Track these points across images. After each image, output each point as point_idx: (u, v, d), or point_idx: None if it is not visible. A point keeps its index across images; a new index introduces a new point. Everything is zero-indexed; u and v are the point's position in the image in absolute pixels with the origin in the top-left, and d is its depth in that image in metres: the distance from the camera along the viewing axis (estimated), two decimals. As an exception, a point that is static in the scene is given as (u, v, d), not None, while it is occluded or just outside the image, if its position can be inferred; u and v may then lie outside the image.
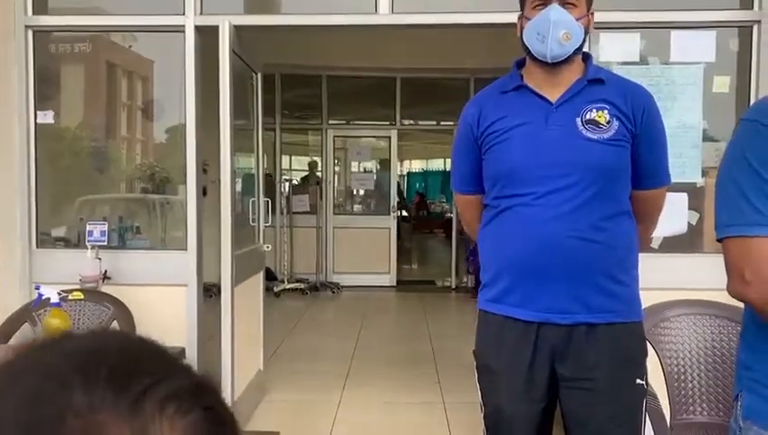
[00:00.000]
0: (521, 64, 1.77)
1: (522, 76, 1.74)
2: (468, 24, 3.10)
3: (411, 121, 8.35)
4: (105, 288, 2.99)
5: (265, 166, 4.37)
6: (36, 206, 3.19)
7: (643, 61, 3.04)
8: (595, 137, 1.64)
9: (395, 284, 7.72)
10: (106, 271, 3.07)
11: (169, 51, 3.27)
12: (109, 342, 0.45)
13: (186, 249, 3.12)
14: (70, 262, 3.07)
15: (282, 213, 7.45)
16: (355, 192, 8.30)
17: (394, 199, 7.81)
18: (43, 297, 2.21)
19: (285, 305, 6.61)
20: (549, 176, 1.63)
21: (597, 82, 1.69)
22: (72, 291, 2.68)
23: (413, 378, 4.19)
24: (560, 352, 1.66)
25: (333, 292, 7.39)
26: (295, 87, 7.76)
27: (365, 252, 7.66)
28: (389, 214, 7.79)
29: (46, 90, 3.28)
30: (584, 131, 1.64)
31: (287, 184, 7.65)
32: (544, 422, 1.72)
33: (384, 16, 3.06)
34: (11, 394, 0.40)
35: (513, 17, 1.77)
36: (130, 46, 3.73)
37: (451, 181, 1.91)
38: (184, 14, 3.07)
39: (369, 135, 8.33)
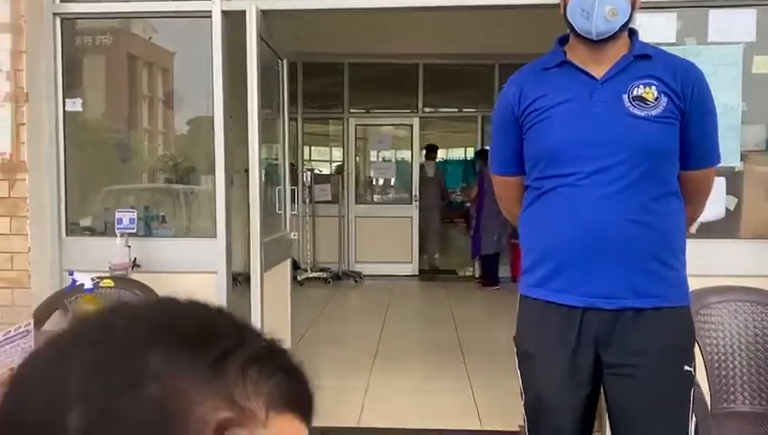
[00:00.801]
0: (563, 41, 1.71)
1: (565, 53, 1.68)
2: (497, 5, 3.03)
3: (433, 109, 8.25)
4: (134, 276, 2.99)
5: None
6: (66, 193, 3.20)
7: (680, 41, 2.94)
8: (642, 114, 1.57)
9: (417, 273, 7.68)
10: (135, 259, 3.06)
11: (190, 41, 3.25)
12: (177, 307, 0.43)
13: (215, 237, 3.11)
14: (99, 250, 3.07)
15: (304, 202, 7.45)
16: (376, 181, 8.27)
17: (416, 188, 7.75)
18: (77, 283, 2.20)
19: (309, 293, 6.61)
20: (594, 155, 1.57)
21: (644, 58, 1.62)
22: (102, 278, 2.67)
23: (440, 364, 4.17)
24: (604, 338, 1.60)
25: (356, 281, 7.40)
26: (316, 75, 7.72)
27: (387, 241, 7.64)
28: (411, 203, 7.74)
29: (72, 79, 3.28)
30: (631, 108, 1.58)
31: (309, 174, 7.63)
32: (587, 411, 1.67)
33: (413, -2, 3.00)
34: (76, 363, 0.37)
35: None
36: (150, 38, 3.73)
37: (489, 163, 1.85)
38: (210, -1, 3.04)
39: (391, 123, 8.27)
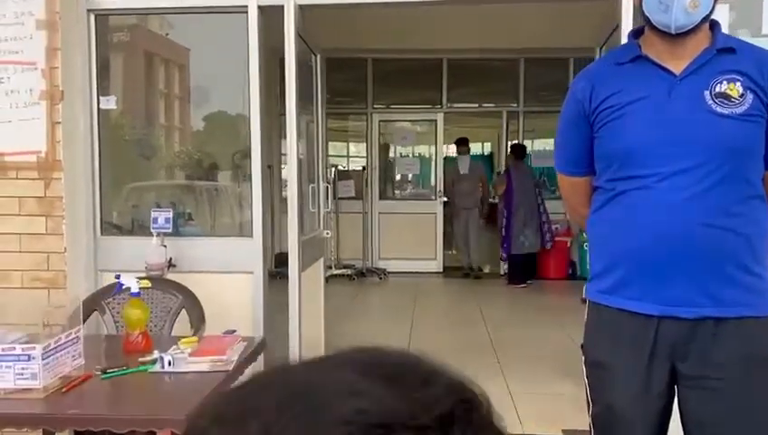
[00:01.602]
0: (638, 33, 1.61)
1: (639, 46, 1.58)
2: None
3: (458, 105, 8.21)
4: (170, 276, 2.94)
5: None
6: (101, 193, 3.15)
7: (732, 33, 2.82)
8: (726, 112, 1.48)
9: (441, 270, 7.61)
10: (171, 259, 3.01)
11: (218, 36, 3.20)
12: (377, 354, 0.40)
13: (251, 236, 3.05)
14: (134, 249, 3.02)
15: (327, 198, 7.42)
16: (400, 177, 8.19)
17: (440, 184, 7.67)
18: (124, 287, 2.15)
19: (335, 291, 6.53)
20: (672, 155, 1.48)
21: (727, 52, 1.52)
22: (140, 279, 2.62)
23: (475, 368, 3.99)
24: (681, 348, 1.51)
25: (380, 278, 7.36)
26: (339, 71, 7.65)
27: (411, 238, 7.57)
28: (435, 199, 7.66)
29: (104, 76, 3.24)
30: (714, 106, 1.48)
31: (333, 170, 7.58)
32: (661, 424, 1.58)
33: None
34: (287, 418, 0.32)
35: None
36: (167, 34, 3.69)
37: (555, 161, 1.76)
38: (246, -6, 2.97)
39: (415, 118, 8.20)
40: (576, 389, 2.73)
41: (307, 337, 3.21)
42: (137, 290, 1.98)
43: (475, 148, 17.96)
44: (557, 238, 7.12)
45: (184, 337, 2.06)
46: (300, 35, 3.07)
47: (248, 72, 3.02)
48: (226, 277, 3.01)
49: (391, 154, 8.34)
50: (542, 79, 7.77)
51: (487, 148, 18.03)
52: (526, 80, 7.56)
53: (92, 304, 2.71)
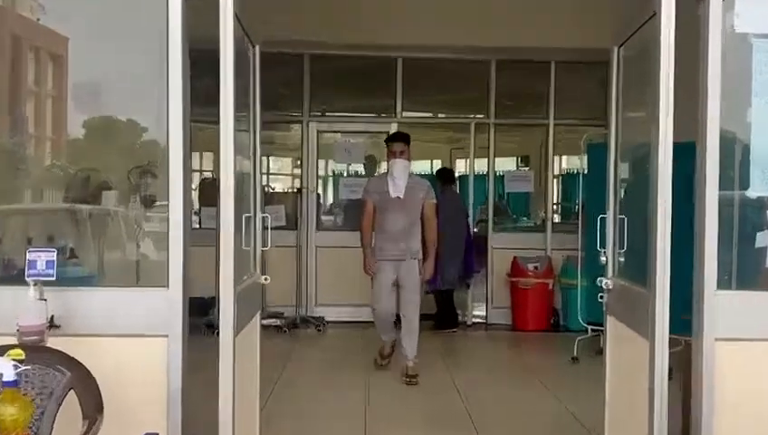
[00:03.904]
0: None
1: None
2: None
3: (415, 114, 8.25)
4: (52, 342, 2.55)
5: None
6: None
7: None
8: None
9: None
10: (53, 317, 2.62)
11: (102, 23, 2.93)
12: None
13: (166, 285, 2.72)
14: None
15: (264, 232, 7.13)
16: (345, 201, 7.97)
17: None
18: (-11, 373, 1.75)
19: (263, 347, 6.18)
20: None
21: None
22: (6, 348, 2.22)
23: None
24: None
25: (318, 329, 7.16)
26: (268, 68, 7.38)
27: (355, 279, 7.27)
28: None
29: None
30: None
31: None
32: None
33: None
34: None
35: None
36: (38, 19, 3.48)
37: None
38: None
39: (362, 130, 8.07)
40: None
41: (239, 413, 2.89)
42: (12, 377, 1.60)
43: (425, 167, 18.08)
44: (537, 280, 7.02)
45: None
46: (238, 18, 2.81)
47: (168, 64, 2.74)
48: (131, 344, 2.73)
49: (339, 171, 8.30)
50: (517, 85, 7.76)
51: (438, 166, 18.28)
52: (498, 85, 7.50)
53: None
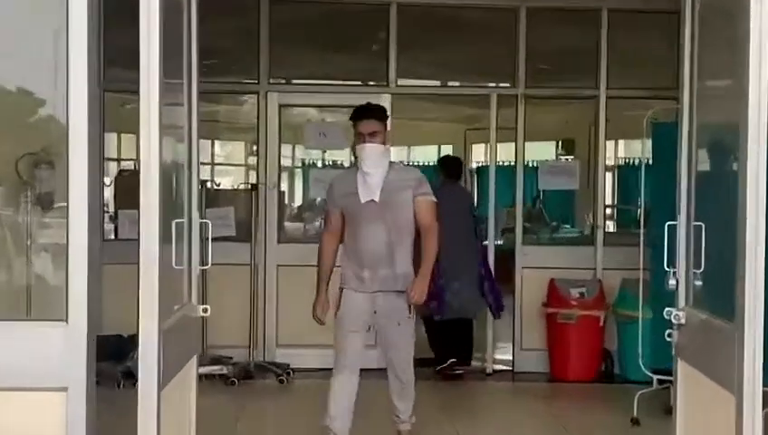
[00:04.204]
0: None
1: None
2: None
3: (415, 82, 8.26)
4: None
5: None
6: None
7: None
8: None
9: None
10: None
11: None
12: None
13: (65, 320, 2.76)
14: None
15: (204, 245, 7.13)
16: (317, 202, 8.07)
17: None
18: None
19: (201, 406, 6.16)
20: None
21: None
22: None
23: None
24: None
25: (281, 379, 7.11)
26: (212, 17, 7.40)
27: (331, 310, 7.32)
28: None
29: None
30: None
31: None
32: None
33: None
34: None
35: None
36: None
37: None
38: None
39: (343, 103, 7.98)
40: None
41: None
42: None
43: (432, 154, 18.14)
44: (584, 312, 7.04)
45: None
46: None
47: (67, 14, 2.76)
48: (15, 400, 2.78)
49: (300, 162, 8.29)
50: (556, 42, 7.81)
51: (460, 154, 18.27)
52: (529, 45, 7.53)
53: None
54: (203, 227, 3.89)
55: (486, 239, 7.72)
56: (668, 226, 3.29)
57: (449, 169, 7.64)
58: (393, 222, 4.89)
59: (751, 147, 2.64)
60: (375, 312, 4.89)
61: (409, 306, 4.89)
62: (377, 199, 4.86)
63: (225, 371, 6.95)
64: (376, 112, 5.07)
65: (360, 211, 4.90)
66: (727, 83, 2.98)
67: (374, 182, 4.87)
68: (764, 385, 2.67)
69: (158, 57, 2.80)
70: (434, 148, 18.30)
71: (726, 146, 2.95)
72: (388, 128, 5.14)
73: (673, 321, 3.22)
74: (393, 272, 4.86)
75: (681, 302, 3.25)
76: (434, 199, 5.08)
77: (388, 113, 5.25)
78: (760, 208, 2.63)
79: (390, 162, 5.07)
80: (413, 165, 16.03)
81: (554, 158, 10.59)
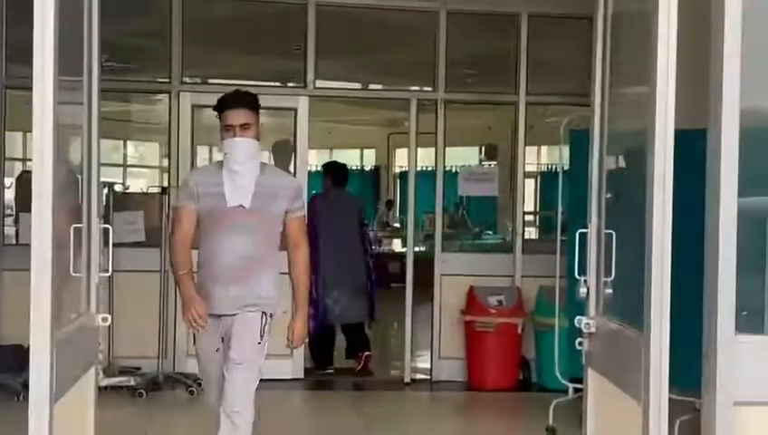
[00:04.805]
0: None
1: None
2: None
3: (333, 84, 8.23)
4: None
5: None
6: None
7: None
8: None
9: (301, 375, 7.46)
10: None
11: None
12: None
13: None
14: None
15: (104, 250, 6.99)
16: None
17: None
18: None
19: (103, 419, 6.05)
20: None
21: None
22: None
23: None
24: None
25: (191, 391, 6.97)
26: (120, 10, 7.29)
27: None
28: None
29: None
30: None
31: (105, 190, 7.13)
32: None
33: None
34: None
35: None
36: None
37: None
38: None
39: (261, 105, 7.99)
40: None
41: None
42: None
43: (354, 158, 18.23)
44: (502, 319, 7.11)
45: None
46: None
47: None
48: None
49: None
50: (477, 46, 7.83)
51: (372, 158, 18.36)
52: (450, 49, 7.58)
53: None
54: (104, 232, 3.86)
55: (373, 249, 8.19)
56: (579, 233, 3.33)
57: (335, 175, 7.73)
58: (262, 235, 4.23)
59: (657, 154, 2.67)
60: (224, 335, 4.24)
61: (262, 329, 4.21)
62: (247, 205, 4.17)
63: (132, 382, 6.81)
64: (248, 101, 4.34)
65: (223, 216, 4.19)
66: (637, 90, 3.02)
67: (245, 184, 4.20)
68: (677, 392, 2.71)
69: (52, 53, 2.75)
70: (356, 151, 18.45)
71: (635, 153, 2.99)
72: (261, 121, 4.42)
73: (583, 329, 3.26)
74: (252, 290, 4.21)
75: (591, 310, 3.29)
76: (304, 215, 4.47)
77: (259, 104, 4.42)
78: (666, 216, 2.66)
79: (262, 163, 4.39)
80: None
81: (478, 163, 10.66)
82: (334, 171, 7.83)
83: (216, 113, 4.30)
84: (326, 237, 7.26)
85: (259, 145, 4.28)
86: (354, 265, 7.61)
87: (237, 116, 4.19)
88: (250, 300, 4.16)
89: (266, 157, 7.27)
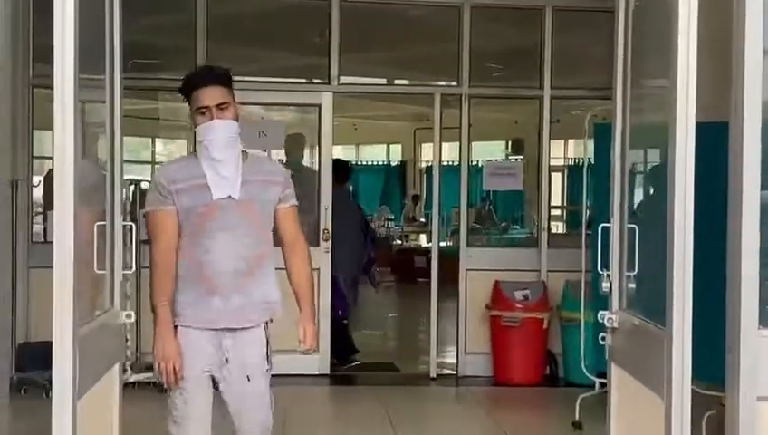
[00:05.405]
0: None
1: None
2: None
3: (357, 80, 8.24)
4: None
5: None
6: None
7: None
8: None
9: (327, 371, 7.44)
10: None
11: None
12: None
13: None
14: None
15: (124, 244, 7.00)
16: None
17: (327, 218, 7.49)
18: None
19: (129, 416, 6.07)
20: None
21: None
22: None
23: None
24: None
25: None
26: (143, 9, 7.32)
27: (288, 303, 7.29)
28: (319, 243, 7.44)
29: None
30: None
31: (131, 188, 7.16)
32: None
33: None
34: None
35: None
36: None
37: None
38: None
39: (283, 102, 8.08)
40: None
41: None
42: None
43: (380, 153, 18.23)
44: (528, 314, 7.08)
45: None
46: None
47: None
48: None
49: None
50: (501, 40, 7.79)
51: (399, 153, 18.36)
52: (474, 44, 7.55)
53: None
54: (128, 230, 3.92)
55: (374, 247, 8.16)
56: (602, 227, 3.31)
57: (336, 172, 7.67)
58: (256, 228, 3.57)
59: (679, 147, 2.66)
60: (223, 356, 3.61)
61: (267, 354, 3.65)
62: (236, 196, 3.50)
63: (156, 378, 6.87)
64: (222, 76, 3.61)
65: (211, 211, 3.49)
66: (658, 83, 3.00)
67: (230, 173, 3.51)
68: (700, 387, 2.69)
69: (72, 52, 2.76)
70: (382, 147, 18.44)
71: (658, 146, 2.97)
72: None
73: (606, 324, 3.24)
74: (255, 299, 3.55)
75: (614, 305, 3.27)
76: (297, 204, 3.74)
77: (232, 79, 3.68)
78: (687, 210, 2.64)
79: (243, 151, 3.62)
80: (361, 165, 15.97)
81: (504, 158, 10.63)
82: (335, 168, 7.73)
83: (183, 97, 3.61)
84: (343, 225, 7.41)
85: (237, 126, 3.53)
86: (352, 259, 7.73)
87: (213, 94, 3.48)
88: (255, 308, 3.54)
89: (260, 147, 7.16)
